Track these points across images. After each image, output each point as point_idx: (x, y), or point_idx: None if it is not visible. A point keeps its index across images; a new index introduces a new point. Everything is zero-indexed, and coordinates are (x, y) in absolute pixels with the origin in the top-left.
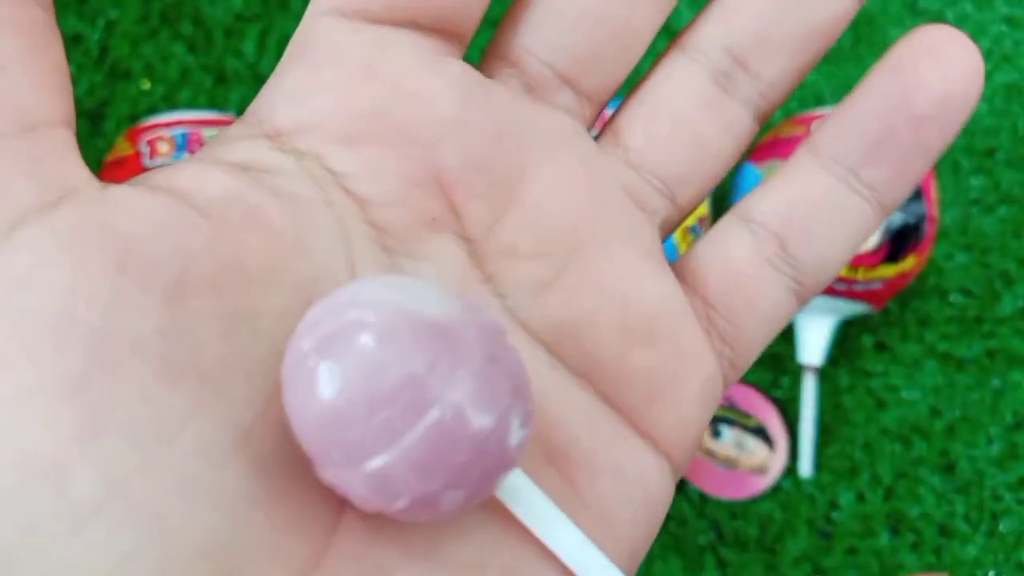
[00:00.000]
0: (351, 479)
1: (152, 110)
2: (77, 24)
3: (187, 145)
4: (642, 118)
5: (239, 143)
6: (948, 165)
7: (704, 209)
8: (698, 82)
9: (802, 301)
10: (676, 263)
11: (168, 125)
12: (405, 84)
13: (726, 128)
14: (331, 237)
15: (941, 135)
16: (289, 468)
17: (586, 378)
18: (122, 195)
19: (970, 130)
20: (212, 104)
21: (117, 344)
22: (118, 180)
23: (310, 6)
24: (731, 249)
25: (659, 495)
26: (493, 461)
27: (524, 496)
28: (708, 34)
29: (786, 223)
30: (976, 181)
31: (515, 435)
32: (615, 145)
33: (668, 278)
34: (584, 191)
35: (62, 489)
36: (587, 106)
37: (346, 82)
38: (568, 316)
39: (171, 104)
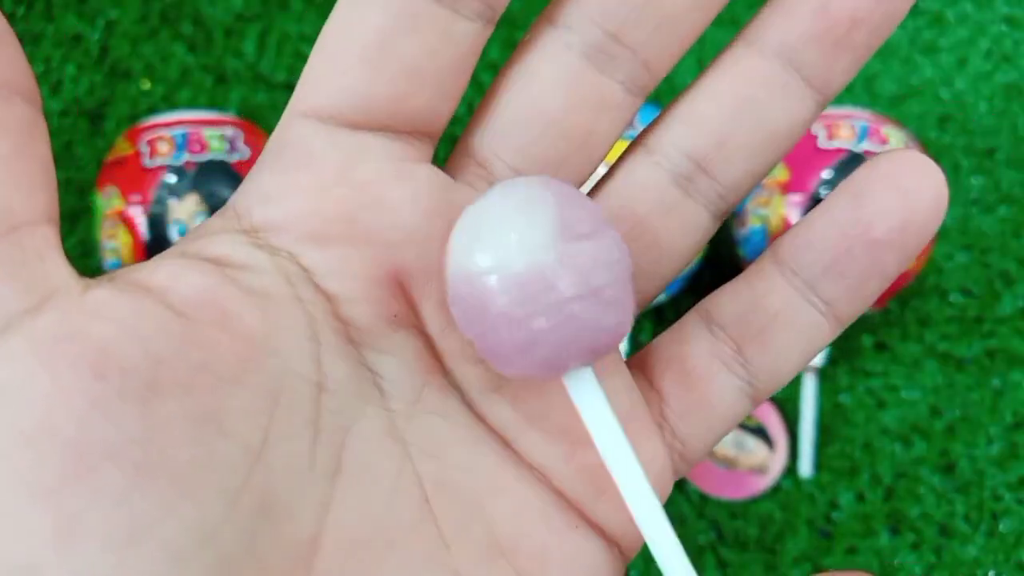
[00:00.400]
0: (470, 280)
1: (152, 110)
2: (77, 24)
3: (187, 145)
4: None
5: (217, 237)
6: (948, 165)
7: None
8: (660, 184)
9: (755, 402)
10: (636, 356)
11: (168, 125)
12: (372, 191)
13: (684, 230)
14: (299, 335)
15: (898, 258)
16: (252, 563)
17: (539, 470)
18: (100, 298)
19: (970, 130)
20: (212, 104)
21: (92, 452)
22: (118, 179)
23: (289, 107)
24: (689, 348)
25: None
26: (581, 339)
27: (587, 392)
28: (670, 137)
29: (744, 328)
30: (976, 181)
31: (607, 332)
32: None
33: (620, 374)
34: None
35: None
36: None
37: (318, 186)
38: (520, 414)
39: (171, 104)
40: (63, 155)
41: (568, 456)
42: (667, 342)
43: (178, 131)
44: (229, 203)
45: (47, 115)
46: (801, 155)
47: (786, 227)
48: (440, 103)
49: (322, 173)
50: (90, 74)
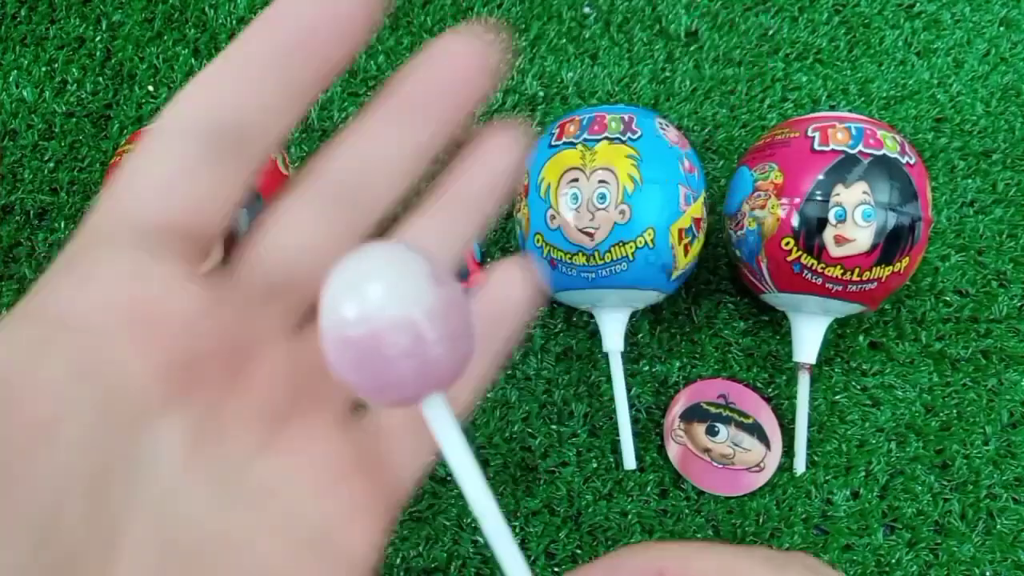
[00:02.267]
0: (342, 339)
1: (158, 113)
2: (80, 26)
3: None
4: None
5: (17, 323)
6: (944, 166)
7: (700, 211)
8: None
9: None
10: None
11: None
12: (155, 289)
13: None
14: (84, 419)
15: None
16: None
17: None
18: None
19: (966, 132)
20: None
21: None
22: None
23: (95, 207)
24: None
25: None
26: (434, 375)
27: (440, 414)
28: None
29: None
30: (971, 183)
31: (452, 365)
32: None
33: None
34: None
35: None
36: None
37: (114, 281)
38: (287, 468)
39: None
40: (68, 156)
41: (314, 495)
42: None
43: None
44: (31, 293)
45: (52, 116)
46: (795, 159)
47: (780, 228)
48: (219, 221)
49: (119, 269)
50: (94, 76)
